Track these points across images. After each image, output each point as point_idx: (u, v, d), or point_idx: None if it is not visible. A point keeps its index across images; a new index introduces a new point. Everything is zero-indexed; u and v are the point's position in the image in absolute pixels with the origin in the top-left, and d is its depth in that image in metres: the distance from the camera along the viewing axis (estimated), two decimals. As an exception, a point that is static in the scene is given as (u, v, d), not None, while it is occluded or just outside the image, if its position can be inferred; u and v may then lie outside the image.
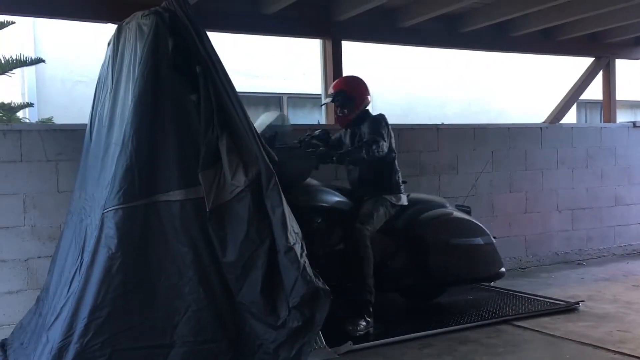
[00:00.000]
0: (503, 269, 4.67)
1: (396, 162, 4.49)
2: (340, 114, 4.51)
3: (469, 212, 4.81)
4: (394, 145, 4.45)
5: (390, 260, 4.31)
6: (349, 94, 4.45)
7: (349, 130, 4.55)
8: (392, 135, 4.41)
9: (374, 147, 4.14)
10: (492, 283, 5.51)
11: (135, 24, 3.60)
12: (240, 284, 3.31)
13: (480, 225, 4.65)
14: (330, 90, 4.57)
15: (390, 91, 10.28)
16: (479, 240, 4.53)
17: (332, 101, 4.52)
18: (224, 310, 3.31)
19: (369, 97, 4.55)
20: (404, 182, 4.52)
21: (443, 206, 4.67)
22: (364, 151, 4.14)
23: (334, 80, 5.58)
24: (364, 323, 3.95)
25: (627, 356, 3.53)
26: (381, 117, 4.38)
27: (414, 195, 4.63)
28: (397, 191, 4.42)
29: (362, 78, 4.62)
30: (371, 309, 4.04)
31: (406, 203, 4.45)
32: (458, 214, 4.67)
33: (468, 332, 4.08)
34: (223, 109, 3.41)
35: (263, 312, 3.27)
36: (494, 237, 4.66)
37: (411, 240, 4.40)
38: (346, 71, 5.83)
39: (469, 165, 6.08)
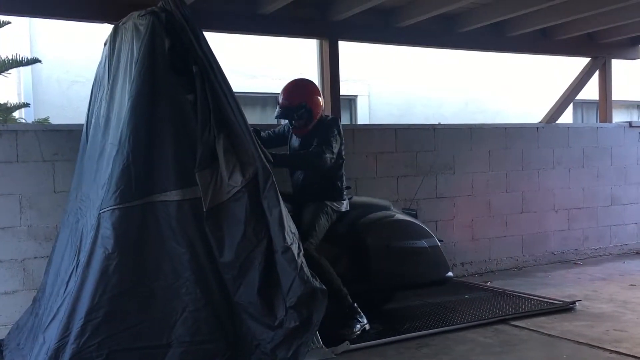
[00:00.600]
0: (450, 274, 4.51)
1: (343, 168, 4.33)
2: (300, 125, 4.27)
3: (415, 216, 4.69)
4: (343, 152, 4.29)
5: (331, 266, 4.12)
6: (309, 106, 4.21)
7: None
8: (343, 141, 4.27)
9: (316, 159, 4.03)
10: (489, 282, 5.51)
11: (132, 23, 3.60)
12: (237, 284, 3.31)
13: (425, 227, 4.51)
14: (285, 102, 4.24)
15: (388, 91, 10.30)
16: (423, 243, 4.37)
17: (292, 116, 4.22)
18: (221, 310, 3.31)
19: (322, 99, 4.35)
20: (347, 187, 4.39)
21: (386, 209, 4.54)
22: (305, 161, 4.08)
23: (329, 80, 5.62)
24: (357, 325, 3.94)
25: (623, 355, 3.54)
26: (334, 123, 4.24)
27: (356, 198, 4.50)
28: (339, 198, 4.28)
29: (309, 79, 4.42)
30: (357, 308, 4.00)
31: (348, 209, 4.33)
32: (401, 216, 4.51)
33: (465, 331, 4.08)
34: (220, 109, 3.41)
35: (260, 312, 3.27)
36: (441, 240, 4.52)
37: (352, 244, 4.26)
38: (343, 71, 5.84)
39: (466, 165, 6.09)
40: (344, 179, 4.36)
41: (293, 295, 3.24)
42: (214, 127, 3.37)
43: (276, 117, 4.43)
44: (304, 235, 3.96)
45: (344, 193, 4.35)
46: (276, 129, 4.58)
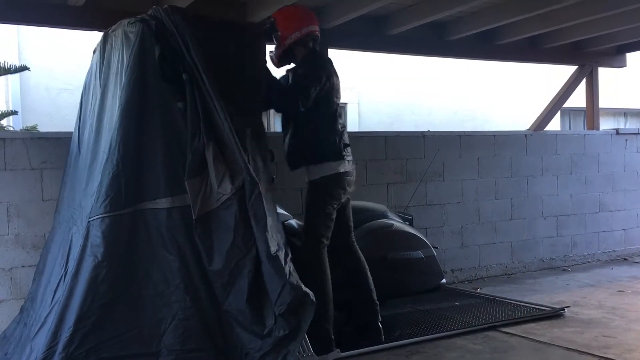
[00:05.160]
0: (443, 280, 4.52)
1: (337, 122, 3.85)
2: (274, 50, 3.89)
3: (411, 221, 4.70)
4: (335, 97, 3.80)
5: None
6: (276, 22, 3.80)
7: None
8: (335, 86, 3.77)
9: (283, 98, 3.62)
10: (479, 289, 5.53)
11: (122, 31, 3.59)
12: (226, 292, 3.30)
13: (421, 237, 4.50)
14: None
15: (377, 99, 10.35)
16: (419, 254, 4.37)
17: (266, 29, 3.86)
18: (211, 318, 3.29)
19: (302, 30, 3.79)
20: (346, 145, 3.90)
21: (384, 216, 4.51)
22: (272, 98, 3.63)
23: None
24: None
25: (612, 361, 3.57)
26: (321, 60, 3.78)
27: (354, 203, 4.29)
28: (335, 157, 3.79)
29: (306, 9, 4.03)
30: (332, 339, 3.73)
31: (349, 169, 3.88)
32: (398, 226, 4.48)
33: (455, 338, 4.09)
34: (209, 117, 3.40)
35: (249, 320, 3.26)
36: (435, 247, 4.53)
37: (348, 254, 4.14)
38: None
39: (456, 172, 6.11)
40: (344, 135, 3.88)
41: (282, 303, 3.22)
42: (203, 134, 3.37)
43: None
44: (315, 235, 3.80)
45: (343, 151, 3.85)
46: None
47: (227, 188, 3.36)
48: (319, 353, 3.54)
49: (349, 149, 3.92)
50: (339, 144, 3.84)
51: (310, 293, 3.29)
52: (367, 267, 4.01)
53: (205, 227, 3.32)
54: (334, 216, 3.86)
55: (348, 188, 3.92)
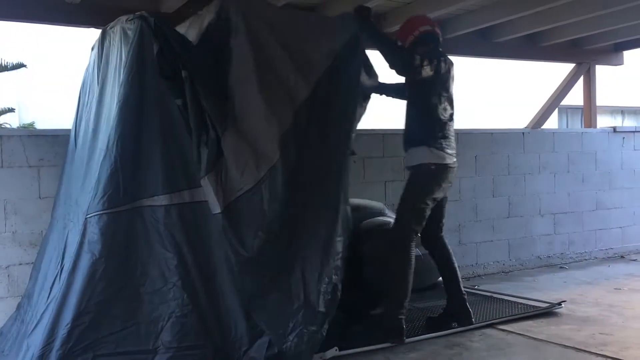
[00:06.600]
0: (440, 278, 4.49)
1: (438, 111, 4.04)
2: None
3: None
4: (443, 92, 4.07)
5: None
6: (400, 38, 4.23)
7: None
8: (445, 76, 4.07)
9: (403, 60, 3.92)
10: (477, 286, 5.55)
11: (120, 28, 3.59)
12: (253, 280, 3.33)
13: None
14: None
15: (374, 96, 10.32)
16: (417, 252, 4.27)
17: None
18: (209, 315, 3.30)
19: (414, 32, 4.17)
20: (444, 137, 4.01)
21: (381, 213, 4.50)
22: (392, 52, 3.98)
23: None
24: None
25: (609, 359, 3.57)
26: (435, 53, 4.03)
27: (351, 201, 4.27)
28: (434, 143, 3.97)
29: (418, 15, 4.46)
30: (403, 330, 3.93)
31: (447, 162, 4.00)
32: None
33: (453, 336, 4.09)
34: (219, 107, 3.37)
35: (279, 303, 3.31)
36: None
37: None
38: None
39: (453, 170, 6.11)
40: (446, 129, 4.04)
41: (330, 279, 3.36)
42: (215, 126, 3.33)
43: None
44: (405, 229, 3.96)
45: (439, 141, 3.98)
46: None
47: (251, 177, 3.35)
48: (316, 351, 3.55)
49: (449, 142, 4.04)
50: (437, 132, 4.00)
51: (339, 286, 3.39)
52: (455, 261, 4.24)
53: (230, 218, 3.31)
54: (428, 212, 4.00)
55: (443, 184, 4.03)
